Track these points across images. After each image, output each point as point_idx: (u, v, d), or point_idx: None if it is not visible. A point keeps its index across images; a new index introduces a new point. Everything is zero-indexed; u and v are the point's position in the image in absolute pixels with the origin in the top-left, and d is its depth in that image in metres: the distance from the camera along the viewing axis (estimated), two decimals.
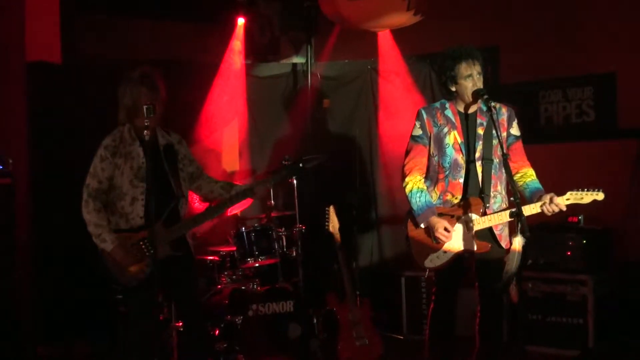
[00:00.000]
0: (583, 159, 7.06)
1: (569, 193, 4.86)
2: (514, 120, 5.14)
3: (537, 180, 5.07)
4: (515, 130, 5.14)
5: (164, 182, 5.07)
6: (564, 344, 6.45)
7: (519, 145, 5.15)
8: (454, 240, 5.01)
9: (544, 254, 6.73)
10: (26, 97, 7.00)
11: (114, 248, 4.93)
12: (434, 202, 5.05)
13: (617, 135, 6.99)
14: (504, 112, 5.11)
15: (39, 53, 7.05)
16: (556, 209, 4.81)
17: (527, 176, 5.10)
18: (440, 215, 4.98)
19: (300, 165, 5.44)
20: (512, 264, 4.68)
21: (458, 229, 5.00)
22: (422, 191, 5.04)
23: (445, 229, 4.91)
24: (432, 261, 5.05)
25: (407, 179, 5.10)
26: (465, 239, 5.00)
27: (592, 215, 6.71)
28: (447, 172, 5.03)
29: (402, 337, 7.25)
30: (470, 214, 4.97)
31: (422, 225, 5.02)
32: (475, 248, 4.98)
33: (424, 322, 7.10)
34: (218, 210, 5.33)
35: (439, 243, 5.00)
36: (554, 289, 6.58)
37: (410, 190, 5.05)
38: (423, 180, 5.12)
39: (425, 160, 5.13)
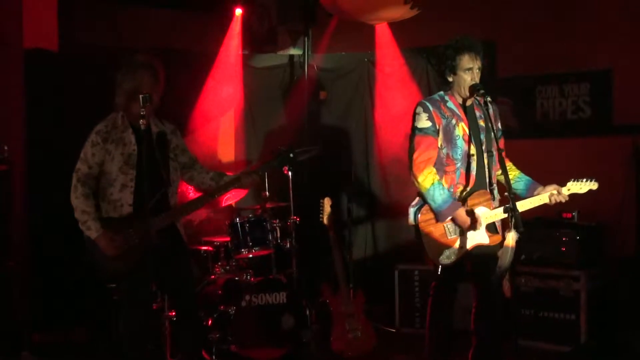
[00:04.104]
0: (578, 155, 7.07)
1: (569, 183, 5.00)
2: (498, 114, 5.19)
3: (525, 175, 5.18)
4: (501, 125, 5.18)
5: (153, 171, 5.04)
6: (556, 339, 6.48)
7: (502, 140, 5.17)
8: (469, 235, 4.97)
9: (538, 249, 6.75)
10: (23, 85, 7.01)
11: (98, 236, 4.90)
12: None
13: (613, 131, 7.01)
14: (493, 107, 5.14)
15: (36, 40, 7.05)
16: (562, 200, 4.97)
17: (514, 169, 5.20)
18: None
19: (291, 155, 5.39)
20: (505, 259, 4.70)
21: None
22: (442, 184, 4.93)
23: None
24: (449, 257, 4.97)
25: (424, 172, 4.92)
26: (479, 234, 4.97)
27: (586, 211, 6.73)
28: (459, 164, 4.99)
29: (394, 330, 7.27)
30: (480, 208, 4.96)
31: (443, 220, 4.94)
32: (487, 241, 4.98)
33: (417, 315, 7.13)
34: (206, 199, 5.28)
35: (456, 236, 4.98)
36: (546, 284, 6.60)
37: (432, 184, 4.89)
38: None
39: (436, 152, 5.00)
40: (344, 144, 8.23)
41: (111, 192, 5.00)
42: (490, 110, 4.90)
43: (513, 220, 4.53)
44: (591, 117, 7.18)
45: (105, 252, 4.91)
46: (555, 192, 4.97)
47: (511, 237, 4.64)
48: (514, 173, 5.17)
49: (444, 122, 5.00)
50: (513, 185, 5.06)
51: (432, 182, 4.90)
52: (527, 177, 5.16)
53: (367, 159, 8.23)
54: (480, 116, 5.05)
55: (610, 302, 6.50)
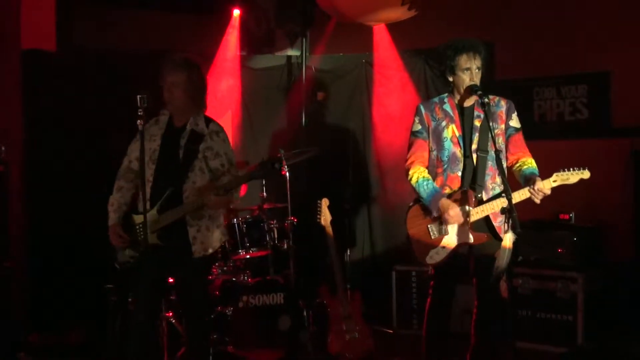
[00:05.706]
0: (575, 157, 6.99)
1: (554, 175, 4.87)
2: (514, 112, 5.17)
3: (533, 167, 5.05)
4: (514, 122, 5.16)
5: (170, 168, 5.03)
6: (553, 341, 6.48)
7: (518, 137, 5.16)
8: (451, 235, 5.02)
9: (535, 251, 6.76)
10: (21, 85, 7.01)
11: (110, 227, 5.07)
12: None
13: (610, 134, 7.01)
14: (502, 105, 5.13)
15: (34, 41, 7.06)
16: (542, 193, 4.80)
17: (525, 164, 5.08)
18: None
19: (275, 165, 5.36)
20: (503, 260, 4.70)
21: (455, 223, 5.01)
22: (427, 180, 5.05)
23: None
24: (432, 257, 5.06)
25: (411, 172, 5.12)
26: (461, 232, 5.01)
27: (584, 213, 6.74)
28: (446, 166, 5.05)
29: (392, 331, 7.27)
30: (465, 206, 4.97)
31: (435, 213, 5.00)
32: (472, 240, 4.99)
33: (414, 316, 7.13)
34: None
35: (439, 236, 5.02)
36: (544, 286, 6.60)
37: (417, 181, 5.06)
38: (426, 170, 5.12)
39: (426, 154, 5.15)
40: (341, 145, 8.22)
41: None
42: (490, 110, 4.92)
43: (510, 221, 4.53)
44: (589, 118, 7.19)
45: (113, 243, 5.09)
46: (532, 184, 4.80)
47: (508, 238, 4.64)
48: (521, 168, 5.07)
49: (433, 124, 5.11)
50: (518, 181, 5.06)
51: (417, 178, 5.09)
52: (531, 171, 5.00)
53: (364, 160, 8.23)
54: (479, 116, 5.05)
55: (607, 304, 6.50)
